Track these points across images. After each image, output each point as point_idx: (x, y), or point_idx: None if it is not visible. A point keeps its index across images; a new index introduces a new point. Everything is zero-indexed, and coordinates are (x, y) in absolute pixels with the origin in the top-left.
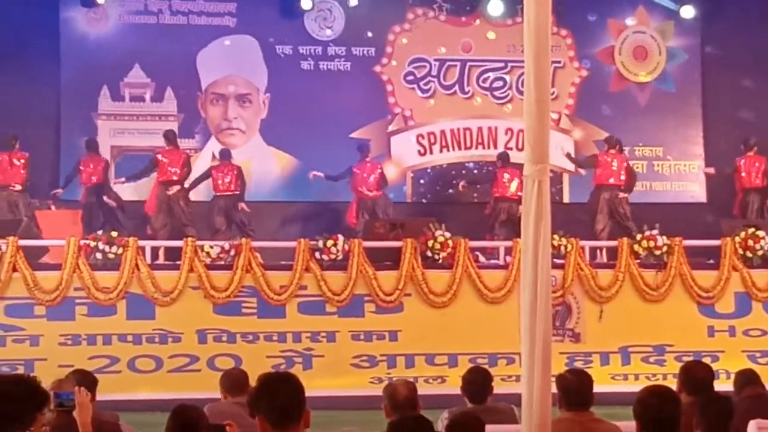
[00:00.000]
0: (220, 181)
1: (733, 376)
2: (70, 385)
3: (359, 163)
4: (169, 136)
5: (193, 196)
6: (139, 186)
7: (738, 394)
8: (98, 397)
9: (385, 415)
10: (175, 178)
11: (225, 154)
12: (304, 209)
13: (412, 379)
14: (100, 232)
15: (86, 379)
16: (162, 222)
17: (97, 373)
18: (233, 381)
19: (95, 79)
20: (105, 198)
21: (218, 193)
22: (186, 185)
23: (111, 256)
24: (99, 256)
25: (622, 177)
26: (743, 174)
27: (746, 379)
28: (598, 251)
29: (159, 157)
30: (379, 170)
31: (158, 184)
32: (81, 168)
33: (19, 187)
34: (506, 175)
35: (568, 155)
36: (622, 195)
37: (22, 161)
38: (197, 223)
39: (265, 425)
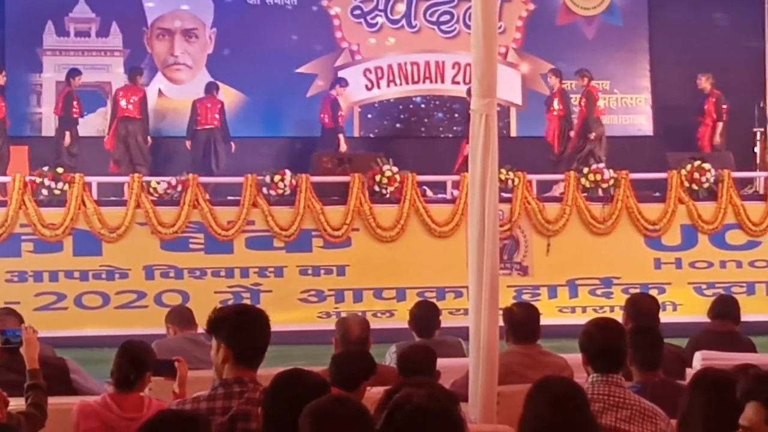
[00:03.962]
0: (201, 116)
1: (679, 308)
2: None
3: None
4: (131, 73)
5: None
6: (90, 121)
7: (711, 320)
8: (46, 334)
9: (334, 348)
10: (130, 115)
11: (210, 87)
12: (252, 144)
13: (360, 314)
14: (45, 168)
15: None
16: (121, 158)
17: (44, 309)
18: (182, 315)
19: (40, 14)
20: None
21: (199, 128)
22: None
23: (57, 192)
24: (45, 192)
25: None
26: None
27: (720, 310)
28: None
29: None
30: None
31: (117, 120)
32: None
33: None
34: None
35: None
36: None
37: None
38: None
39: (229, 357)
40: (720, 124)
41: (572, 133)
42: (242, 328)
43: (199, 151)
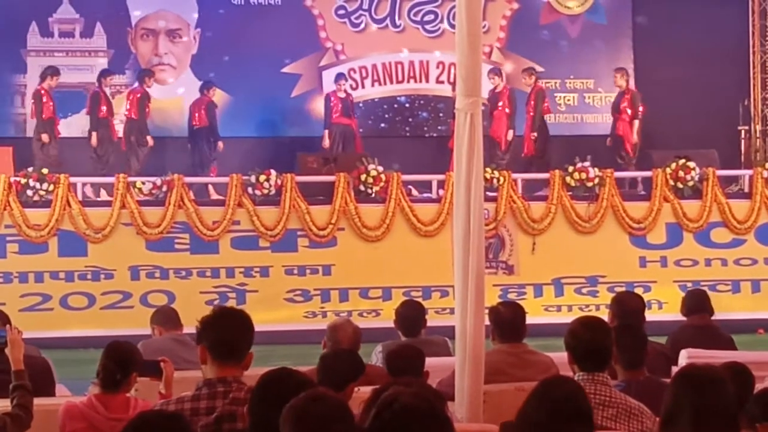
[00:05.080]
0: (193, 117)
1: (665, 306)
2: None
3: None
4: (140, 76)
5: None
6: (73, 122)
7: (686, 316)
8: (31, 335)
9: (323, 349)
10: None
11: (202, 87)
12: (237, 144)
13: (345, 314)
14: (30, 169)
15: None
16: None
17: (30, 311)
18: (167, 316)
19: (23, 15)
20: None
21: (195, 129)
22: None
23: (42, 193)
24: (30, 193)
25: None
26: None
27: (695, 305)
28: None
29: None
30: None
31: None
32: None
33: None
34: None
35: None
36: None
37: None
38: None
39: (206, 355)
40: (636, 122)
41: (510, 133)
42: (213, 323)
43: (195, 152)
